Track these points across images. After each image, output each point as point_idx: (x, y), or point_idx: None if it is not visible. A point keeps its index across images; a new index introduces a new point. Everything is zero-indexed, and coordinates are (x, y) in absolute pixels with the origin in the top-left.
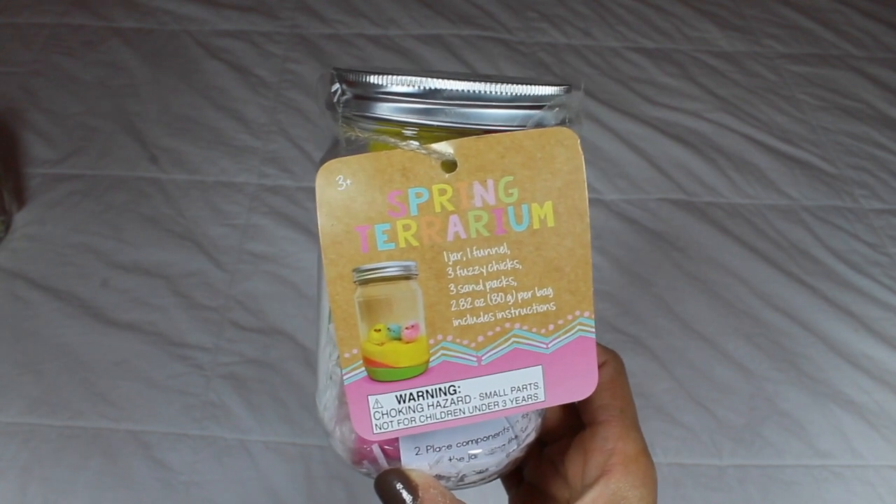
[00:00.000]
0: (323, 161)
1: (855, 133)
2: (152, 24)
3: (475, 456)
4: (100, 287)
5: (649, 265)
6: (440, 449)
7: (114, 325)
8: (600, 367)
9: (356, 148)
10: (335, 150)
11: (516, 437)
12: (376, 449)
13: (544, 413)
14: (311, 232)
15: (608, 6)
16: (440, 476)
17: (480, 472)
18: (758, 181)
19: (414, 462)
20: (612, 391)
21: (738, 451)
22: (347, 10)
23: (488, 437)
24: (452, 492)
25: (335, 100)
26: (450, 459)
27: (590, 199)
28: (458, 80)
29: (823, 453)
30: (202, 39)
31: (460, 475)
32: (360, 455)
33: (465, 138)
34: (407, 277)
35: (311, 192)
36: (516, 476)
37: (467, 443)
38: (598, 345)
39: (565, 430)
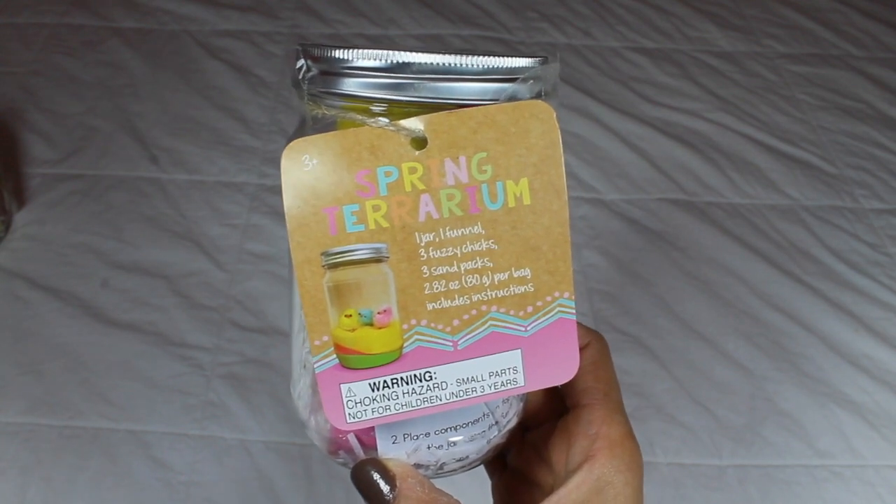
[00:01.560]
0: (290, 141)
1: (855, 133)
2: (152, 24)
3: (454, 443)
4: (100, 287)
5: (649, 265)
6: (418, 437)
7: (114, 325)
8: (583, 349)
9: (323, 126)
10: (303, 129)
11: (497, 422)
12: (352, 438)
13: (526, 397)
14: None
15: (608, 6)
16: (419, 465)
17: (461, 460)
18: (758, 181)
19: (391, 451)
20: (596, 374)
21: (738, 451)
22: (347, 10)
23: (468, 424)
24: (432, 480)
25: (300, 76)
26: (428, 447)
27: (590, 199)
28: (428, 53)
29: (823, 453)
30: (202, 39)
31: (440, 463)
32: (336, 445)
33: (436, 113)
34: (378, 260)
35: None
36: (499, 462)
37: (446, 430)
38: (581, 326)
39: (548, 414)
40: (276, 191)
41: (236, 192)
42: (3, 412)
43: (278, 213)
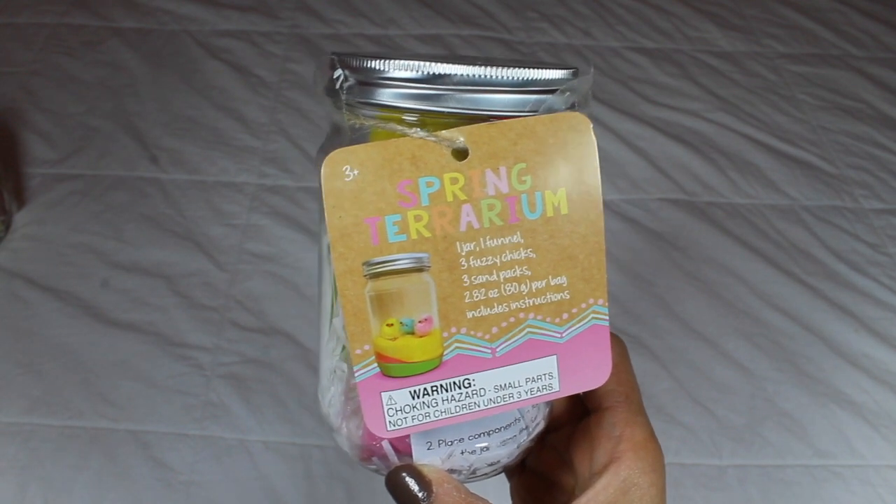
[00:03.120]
0: (322, 150)
1: (855, 133)
2: (152, 24)
3: (487, 448)
4: (100, 287)
5: (649, 265)
6: (452, 443)
7: (114, 325)
8: None
9: (360, 137)
10: (335, 138)
11: (527, 427)
12: (386, 445)
13: (553, 402)
14: (310, 231)
15: (608, 6)
16: (452, 470)
17: (492, 465)
18: (758, 181)
19: (426, 457)
20: (617, 376)
21: (738, 451)
22: (347, 10)
23: (500, 429)
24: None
25: (337, 86)
26: (462, 453)
27: None
28: (465, 64)
29: (823, 453)
30: (202, 39)
31: (472, 468)
32: (369, 451)
33: (477, 125)
34: (419, 270)
35: (312, 191)
36: (519, 464)
37: (479, 435)
38: None
39: (569, 416)
40: (277, 191)
41: (236, 192)
42: (3, 412)
43: (278, 213)
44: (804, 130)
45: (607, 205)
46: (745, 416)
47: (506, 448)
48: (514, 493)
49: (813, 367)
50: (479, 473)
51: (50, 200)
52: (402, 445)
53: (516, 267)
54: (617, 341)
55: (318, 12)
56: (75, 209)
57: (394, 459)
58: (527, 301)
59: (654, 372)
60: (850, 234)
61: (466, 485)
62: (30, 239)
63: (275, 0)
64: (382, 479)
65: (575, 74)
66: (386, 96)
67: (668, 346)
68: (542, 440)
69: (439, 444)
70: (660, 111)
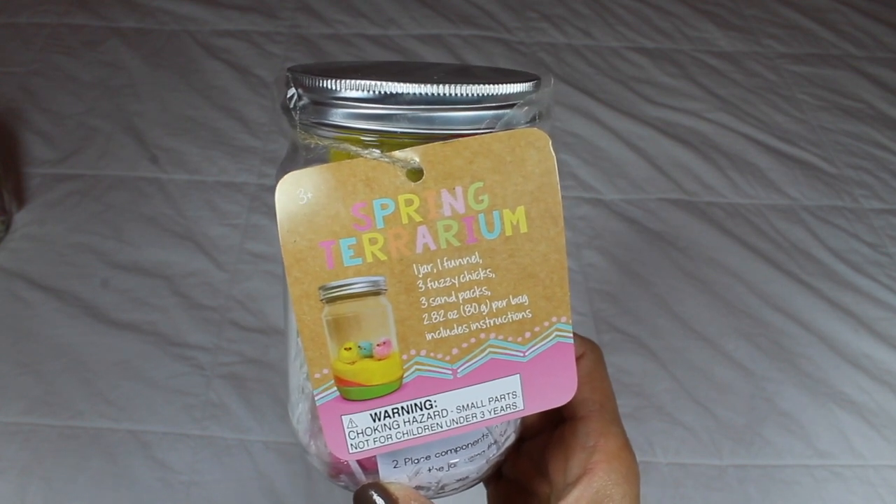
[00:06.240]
0: (282, 168)
1: (855, 133)
2: (152, 24)
3: (455, 465)
4: (100, 287)
5: (649, 265)
6: (419, 460)
7: (114, 325)
8: (578, 359)
9: (316, 157)
10: (294, 155)
11: (496, 442)
12: (353, 463)
13: None
14: None
15: (608, 6)
16: (420, 486)
17: (461, 480)
18: (758, 181)
19: (392, 475)
20: (591, 384)
21: (738, 451)
22: (347, 10)
23: (468, 446)
24: (434, 500)
25: (291, 105)
26: (429, 470)
27: (590, 199)
28: (419, 82)
29: (823, 453)
30: (202, 39)
31: (441, 484)
32: (337, 469)
33: (431, 144)
34: (376, 293)
35: None
36: (495, 472)
37: (446, 452)
38: (576, 336)
39: (544, 424)
40: None
41: (236, 192)
42: (3, 412)
43: None
44: (804, 130)
45: (607, 205)
46: (745, 416)
47: (474, 464)
48: (491, 501)
49: (813, 367)
50: (448, 489)
51: (50, 200)
52: (368, 463)
53: (475, 287)
54: (593, 348)
55: (318, 12)
56: (75, 209)
57: (361, 477)
58: (487, 321)
59: (653, 372)
60: (850, 234)
61: (438, 499)
62: (30, 239)
63: (275, 0)
64: None
65: (537, 86)
66: (339, 117)
67: (668, 346)
68: (517, 448)
69: (405, 462)
70: (660, 111)
